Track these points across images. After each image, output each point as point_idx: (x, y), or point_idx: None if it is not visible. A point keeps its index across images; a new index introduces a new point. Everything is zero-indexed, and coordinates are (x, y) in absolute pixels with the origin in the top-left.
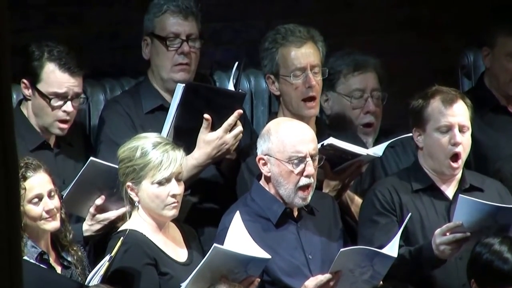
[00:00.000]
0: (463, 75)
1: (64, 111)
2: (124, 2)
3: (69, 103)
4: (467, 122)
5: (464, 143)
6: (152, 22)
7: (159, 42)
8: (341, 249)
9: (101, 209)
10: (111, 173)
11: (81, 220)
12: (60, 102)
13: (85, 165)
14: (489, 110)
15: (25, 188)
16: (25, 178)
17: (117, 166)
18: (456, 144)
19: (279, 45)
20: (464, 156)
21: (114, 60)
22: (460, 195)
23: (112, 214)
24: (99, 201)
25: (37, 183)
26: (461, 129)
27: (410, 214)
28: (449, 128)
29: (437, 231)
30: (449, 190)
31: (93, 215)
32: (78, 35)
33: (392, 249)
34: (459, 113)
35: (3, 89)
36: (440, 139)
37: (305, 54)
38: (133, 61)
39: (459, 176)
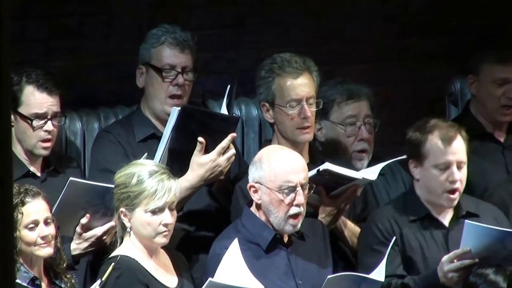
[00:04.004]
0: (450, 102)
1: (46, 131)
2: (118, 34)
3: (49, 122)
4: (464, 158)
5: (461, 179)
6: (148, 52)
7: (154, 72)
8: (328, 276)
9: (87, 228)
10: (94, 191)
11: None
12: (41, 122)
13: (66, 186)
14: (475, 138)
15: (22, 213)
16: (23, 203)
17: (98, 184)
18: (454, 182)
19: (275, 75)
20: (461, 189)
21: (110, 90)
22: (466, 221)
23: (98, 231)
24: (84, 220)
25: (35, 209)
26: (459, 166)
27: (394, 238)
28: (447, 166)
29: (445, 258)
30: (445, 219)
31: (80, 234)
32: (75, 66)
33: (379, 273)
34: (458, 150)
35: (3, 122)
36: (438, 176)
37: (301, 86)
38: (127, 91)
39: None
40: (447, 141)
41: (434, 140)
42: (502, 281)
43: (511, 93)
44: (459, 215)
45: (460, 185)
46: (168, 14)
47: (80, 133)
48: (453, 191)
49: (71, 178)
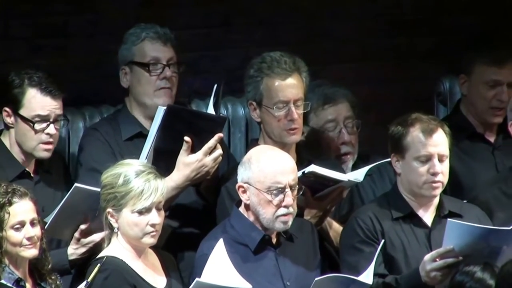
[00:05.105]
0: (439, 102)
1: (47, 134)
2: (104, 33)
3: (51, 125)
4: (446, 151)
5: (443, 171)
6: (130, 51)
7: (140, 69)
8: (316, 278)
9: (85, 233)
10: (95, 196)
11: (61, 244)
12: (43, 125)
13: (70, 192)
14: (465, 138)
15: (9, 213)
16: (10, 203)
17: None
18: (435, 174)
19: (264, 75)
20: (444, 181)
21: (95, 89)
22: (448, 219)
23: (97, 237)
24: (84, 226)
25: (21, 210)
26: (440, 159)
27: (383, 240)
28: (428, 158)
29: (427, 257)
30: (428, 217)
31: (78, 239)
32: (60, 65)
33: (367, 276)
34: (439, 143)
35: None
36: (419, 168)
37: (289, 87)
38: (112, 90)
39: (436, 202)
40: (428, 133)
41: (415, 133)
42: (489, 278)
43: (502, 96)
44: (442, 215)
45: (443, 178)
46: (154, 13)
47: (65, 132)
48: (434, 184)
49: (76, 184)
